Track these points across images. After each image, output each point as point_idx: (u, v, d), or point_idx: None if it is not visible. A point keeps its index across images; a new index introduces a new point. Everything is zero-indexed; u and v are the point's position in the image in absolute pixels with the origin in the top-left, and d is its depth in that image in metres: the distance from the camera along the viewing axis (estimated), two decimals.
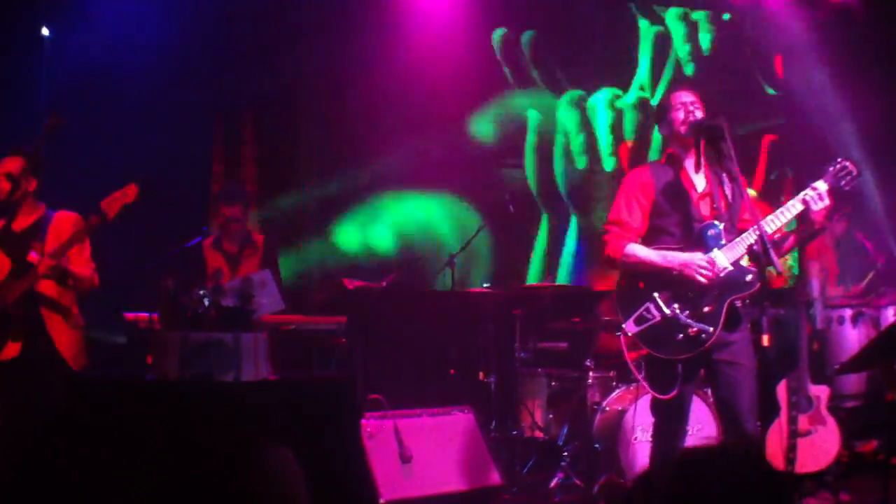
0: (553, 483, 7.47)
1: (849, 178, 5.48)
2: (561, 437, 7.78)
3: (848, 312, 8.53)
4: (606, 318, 7.80)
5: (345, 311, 7.60)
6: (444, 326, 8.55)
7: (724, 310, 5.32)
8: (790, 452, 6.77)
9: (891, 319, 8.47)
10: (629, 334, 5.41)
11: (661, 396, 5.44)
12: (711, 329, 5.30)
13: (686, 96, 5.64)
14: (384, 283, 7.92)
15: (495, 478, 7.07)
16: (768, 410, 6.87)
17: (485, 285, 8.68)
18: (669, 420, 5.59)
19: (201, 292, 5.11)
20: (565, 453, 7.59)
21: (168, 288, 5.19)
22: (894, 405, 6.55)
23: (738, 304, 5.41)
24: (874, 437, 8.35)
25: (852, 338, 8.40)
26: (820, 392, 7.20)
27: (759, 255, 5.25)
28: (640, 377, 5.59)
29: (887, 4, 10.51)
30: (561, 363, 8.24)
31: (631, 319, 5.41)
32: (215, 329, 5.09)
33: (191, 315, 5.09)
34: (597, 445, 7.37)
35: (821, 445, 7.10)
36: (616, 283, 5.69)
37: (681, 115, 5.58)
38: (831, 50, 10.54)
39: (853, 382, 8.32)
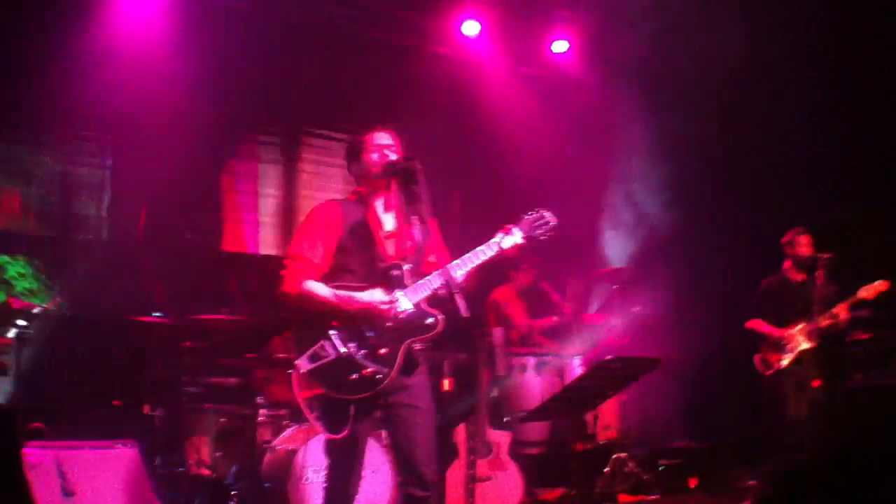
0: None
1: (545, 227, 5.54)
2: (230, 476, 7.54)
3: (531, 361, 8.72)
4: (279, 355, 7.63)
5: (7, 332, 7.13)
6: (110, 355, 8.15)
7: (402, 352, 5.24)
8: (469, 497, 6.80)
9: (577, 369, 8.72)
10: (301, 371, 5.22)
11: (333, 436, 5.31)
12: (387, 370, 5.21)
13: (384, 138, 5.55)
14: (51, 305, 7.49)
15: None
16: (447, 455, 6.90)
17: (154, 314, 8.31)
18: (343, 461, 5.44)
19: None
20: (234, 492, 7.37)
21: None
22: (580, 455, 6.75)
23: (418, 346, 5.34)
24: (558, 484, 8.55)
25: (535, 385, 8.59)
26: (500, 438, 7.29)
27: (444, 299, 5.20)
28: (310, 416, 5.43)
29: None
30: (231, 399, 7.99)
31: (305, 356, 5.22)
32: None
33: None
34: (266, 485, 7.17)
35: (501, 491, 7.17)
36: (291, 319, 5.52)
37: (374, 156, 5.49)
38: None
39: (536, 429, 8.49)
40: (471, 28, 10.81)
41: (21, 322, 7.58)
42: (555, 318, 9.79)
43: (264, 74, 10.08)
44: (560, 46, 11.24)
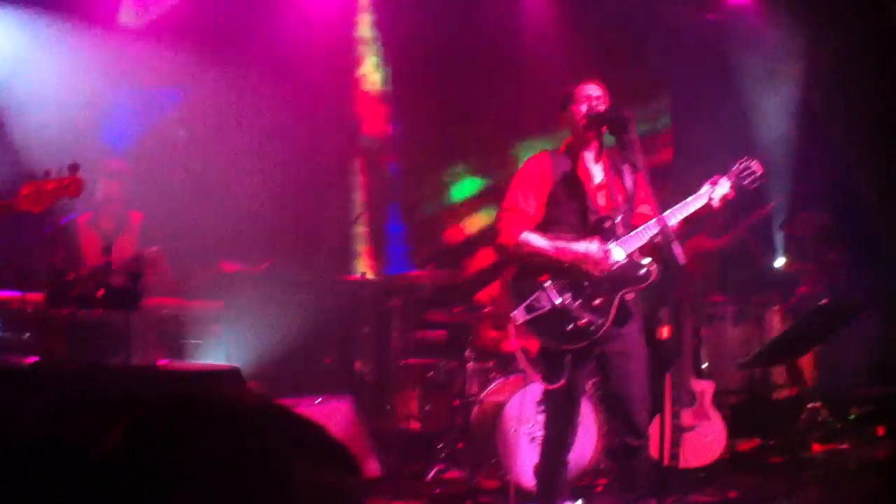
0: (431, 474, 7.40)
1: (752, 177, 5.54)
2: (438, 429, 7.72)
3: (730, 310, 8.68)
4: (487, 310, 7.76)
5: (221, 295, 7.42)
6: (321, 314, 8.42)
7: (616, 302, 5.31)
8: (674, 447, 6.83)
9: (775, 319, 8.65)
10: (518, 322, 5.35)
11: (550, 386, 5.42)
12: (601, 321, 5.29)
13: (593, 89, 5.58)
14: (262, 268, 7.76)
15: (374, 468, 6.99)
16: (652, 404, 6.95)
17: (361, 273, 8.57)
18: (560, 411, 5.55)
19: (91, 268, 4.89)
20: (443, 445, 7.53)
21: (54, 265, 4.96)
22: (776, 404, 6.72)
23: (631, 296, 5.41)
24: (755, 434, 8.52)
25: (733, 335, 8.55)
26: (705, 387, 7.29)
27: (660, 247, 5.23)
28: (526, 366, 5.56)
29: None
30: (439, 353, 8.18)
31: (521, 308, 5.34)
32: (103, 309, 4.87)
33: (77, 294, 4.86)
34: (475, 437, 7.31)
35: (706, 441, 7.18)
36: (506, 271, 5.64)
37: (583, 108, 5.52)
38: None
39: (736, 379, 8.47)
40: None
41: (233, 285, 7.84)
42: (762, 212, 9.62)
43: None
44: None
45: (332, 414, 7.08)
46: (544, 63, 9.83)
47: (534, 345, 5.62)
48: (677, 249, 4.97)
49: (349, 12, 10.08)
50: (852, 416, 9.46)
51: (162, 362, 5.22)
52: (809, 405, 8.87)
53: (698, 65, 10.50)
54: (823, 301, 6.32)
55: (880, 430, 9.28)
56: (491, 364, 7.65)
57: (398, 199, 10.04)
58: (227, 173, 8.90)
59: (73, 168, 5.03)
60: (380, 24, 10.09)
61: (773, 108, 10.76)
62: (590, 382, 6.57)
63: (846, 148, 10.26)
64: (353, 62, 10.08)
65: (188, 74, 8.88)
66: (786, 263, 10.38)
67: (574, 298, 5.33)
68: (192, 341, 7.09)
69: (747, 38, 10.65)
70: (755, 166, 5.56)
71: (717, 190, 5.46)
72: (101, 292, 4.86)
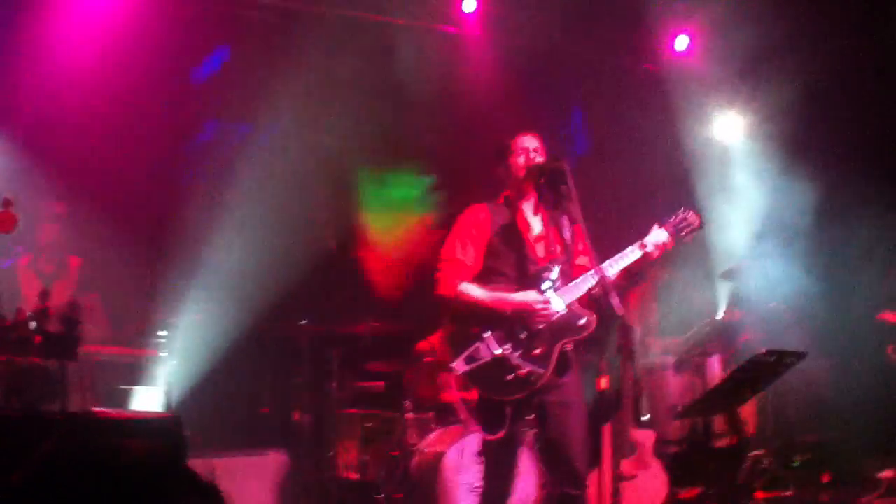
0: None
1: (689, 228, 5.58)
2: (377, 479, 7.64)
3: (670, 359, 8.70)
4: (427, 360, 7.72)
5: (158, 343, 7.34)
6: (259, 363, 8.34)
7: (556, 352, 5.30)
8: (615, 496, 6.80)
9: (716, 368, 8.69)
10: (458, 373, 5.31)
11: (490, 437, 5.38)
12: (542, 371, 5.26)
13: (530, 141, 5.63)
14: (197, 317, 7.70)
15: None
16: (592, 454, 6.93)
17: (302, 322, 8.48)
18: (500, 462, 5.51)
19: (28, 314, 4.78)
20: (382, 495, 7.45)
21: None
22: (718, 452, 6.72)
23: (570, 346, 5.39)
24: (696, 482, 8.52)
25: (674, 385, 8.57)
26: (645, 437, 7.28)
27: (599, 298, 5.23)
28: (466, 417, 5.52)
29: None
30: (378, 403, 8.12)
31: (460, 358, 5.30)
32: (39, 355, 4.78)
33: (15, 339, 4.75)
34: (414, 487, 7.25)
35: (646, 490, 7.17)
36: (445, 322, 5.61)
37: (521, 160, 5.57)
38: None
39: (676, 428, 8.48)
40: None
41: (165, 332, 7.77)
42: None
43: None
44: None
45: (268, 465, 6.98)
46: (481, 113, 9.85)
47: (473, 395, 5.58)
48: (615, 300, 4.97)
49: None
50: (796, 463, 9.49)
51: (98, 410, 5.13)
52: (752, 453, 8.89)
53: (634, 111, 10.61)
54: (762, 350, 6.34)
55: (825, 477, 9.32)
56: (430, 414, 7.62)
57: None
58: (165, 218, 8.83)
59: (7, 203, 4.95)
60: None
61: (711, 155, 10.89)
62: (530, 433, 6.54)
63: (786, 198, 10.37)
64: None
65: None
66: (727, 312, 10.43)
67: (514, 349, 5.30)
68: (129, 388, 7.00)
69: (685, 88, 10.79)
70: (692, 218, 5.60)
71: (653, 238, 5.48)
72: (38, 339, 4.76)
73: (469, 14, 10.10)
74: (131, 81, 8.66)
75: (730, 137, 11.24)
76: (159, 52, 8.74)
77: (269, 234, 9.12)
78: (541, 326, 5.31)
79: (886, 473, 8.91)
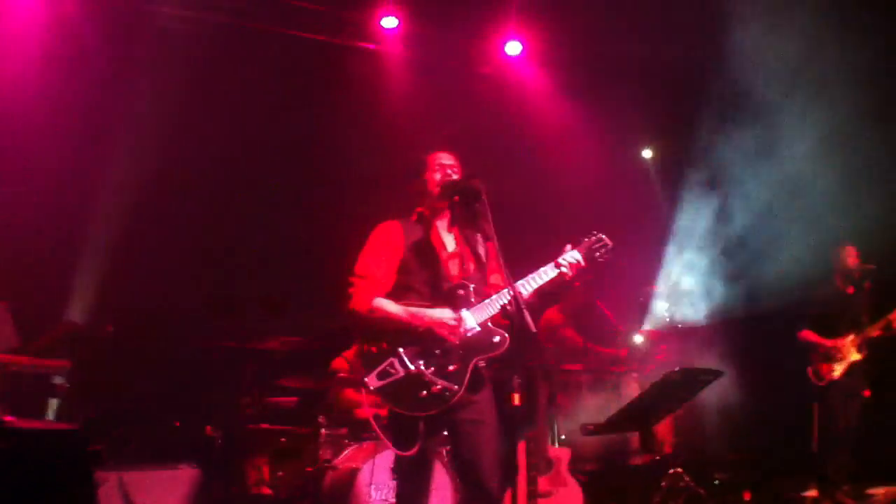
0: None
1: (603, 250, 5.61)
2: (290, 496, 7.57)
3: (585, 378, 8.74)
4: (340, 376, 7.67)
5: (68, 354, 7.21)
6: (171, 377, 8.24)
7: (469, 369, 5.29)
8: None
9: (632, 386, 8.75)
10: (371, 389, 5.28)
11: (403, 453, 5.35)
12: (455, 387, 5.26)
13: (445, 158, 5.62)
14: (110, 328, 7.57)
15: None
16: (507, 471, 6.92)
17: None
18: (412, 478, 5.48)
19: None
20: None
21: None
22: (636, 470, 6.76)
23: (483, 364, 5.39)
24: (614, 500, 8.56)
25: (590, 403, 8.60)
26: (561, 454, 7.30)
27: (512, 316, 5.22)
28: (379, 433, 5.48)
29: None
30: (291, 419, 8.05)
31: (373, 374, 5.27)
32: None
33: None
34: None
35: None
36: (358, 338, 5.57)
37: (437, 176, 5.56)
38: None
39: (594, 446, 8.51)
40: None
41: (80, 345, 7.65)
42: (618, 350, 9.83)
43: None
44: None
45: (180, 480, 6.89)
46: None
47: (386, 411, 5.54)
48: (528, 318, 4.99)
49: None
50: (716, 482, 9.59)
51: (7, 419, 5.04)
52: (670, 470, 8.95)
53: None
54: (674, 370, 6.40)
55: (746, 495, 9.43)
56: (344, 430, 7.57)
57: None
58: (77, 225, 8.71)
59: None
60: None
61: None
62: (444, 449, 6.52)
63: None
64: None
65: None
66: (645, 331, 10.51)
67: (427, 365, 5.29)
68: (39, 399, 6.89)
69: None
70: (606, 239, 5.63)
71: (567, 258, 5.49)
72: None
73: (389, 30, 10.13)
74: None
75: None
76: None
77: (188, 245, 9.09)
78: (454, 343, 5.29)
79: (810, 493, 9.05)
